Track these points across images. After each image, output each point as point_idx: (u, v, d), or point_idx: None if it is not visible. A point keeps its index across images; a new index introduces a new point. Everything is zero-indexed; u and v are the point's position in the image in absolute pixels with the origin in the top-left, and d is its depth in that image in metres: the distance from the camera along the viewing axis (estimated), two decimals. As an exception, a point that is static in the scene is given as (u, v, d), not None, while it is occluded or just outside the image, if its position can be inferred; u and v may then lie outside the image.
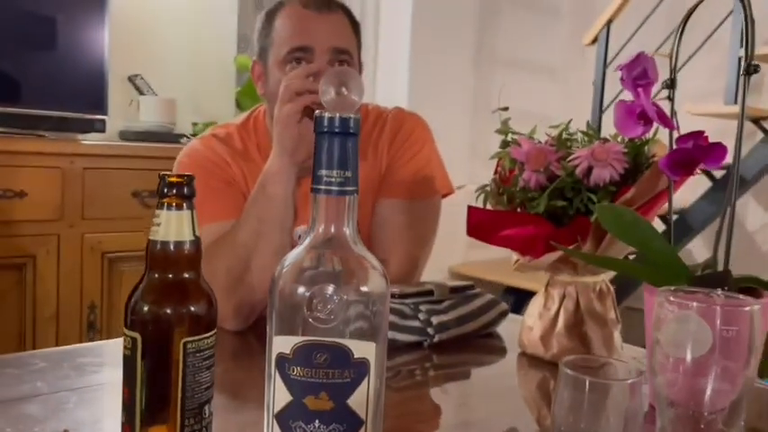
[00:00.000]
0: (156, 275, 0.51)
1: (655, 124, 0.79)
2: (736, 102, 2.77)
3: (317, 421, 0.40)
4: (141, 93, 2.46)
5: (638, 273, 0.77)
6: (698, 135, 0.79)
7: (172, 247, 0.51)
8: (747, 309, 0.58)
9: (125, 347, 0.51)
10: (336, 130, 0.42)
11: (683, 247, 3.23)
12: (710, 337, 0.60)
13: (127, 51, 2.43)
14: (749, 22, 0.72)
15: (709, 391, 0.60)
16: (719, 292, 0.73)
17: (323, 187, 0.42)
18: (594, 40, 3.04)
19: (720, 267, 0.79)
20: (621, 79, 0.80)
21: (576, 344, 0.90)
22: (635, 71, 0.79)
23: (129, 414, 0.51)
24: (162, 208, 0.51)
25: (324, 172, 0.42)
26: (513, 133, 0.96)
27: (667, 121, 0.79)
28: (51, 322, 1.91)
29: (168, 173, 0.51)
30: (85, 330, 1.97)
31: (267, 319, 0.43)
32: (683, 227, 3.07)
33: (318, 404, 0.40)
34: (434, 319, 0.98)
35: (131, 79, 2.47)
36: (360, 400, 0.41)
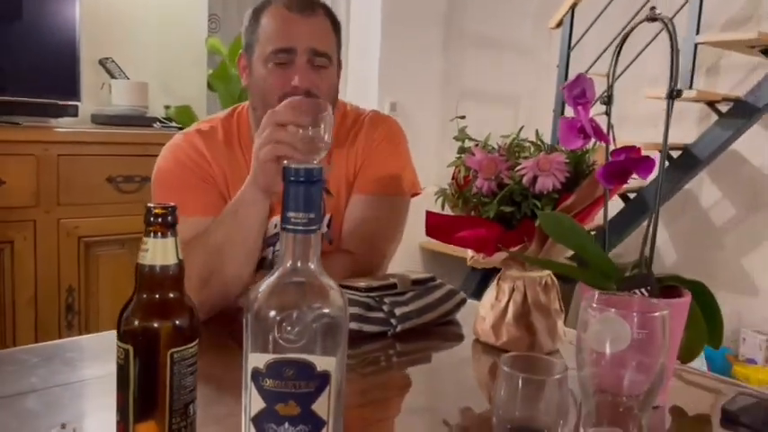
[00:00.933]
0: (145, 295, 0.59)
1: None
2: (691, 86, 2.88)
3: (286, 423, 0.49)
4: (113, 76, 2.48)
5: (574, 273, 0.87)
6: (630, 149, 0.88)
7: (158, 270, 0.58)
8: (657, 314, 0.67)
9: (118, 357, 0.59)
10: (302, 179, 0.49)
11: (642, 223, 3.37)
12: (629, 336, 0.69)
13: (97, 34, 2.44)
14: (675, 52, 0.80)
15: (626, 381, 0.69)
16: (642, 292, 0.83)
17: (290, 227, 0.50)
18: (559, 24, 3.11)
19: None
20: (565, 98, 0.88)
21: (523, 333, 0.99)
22: (575, 91, 0.87)
23: (122, 414, 0.59)
24: (149, 236, 0.58)
25: (291, 214, 0.50)
26: (470, 140, 1.04)
27: (603, 136, 0.87)
28: (30, 305, 1.96)
29: (153, 205, 0.58)
30: (64, 313, 2.03)
31: (243, 339, 0.51)
32: (641, 204, 3.20)
33: (287, 410, 0.49)
34: (397, 311, 1.06)
35: (102, 62, 2.48)
36: (322, 405, 0.49)
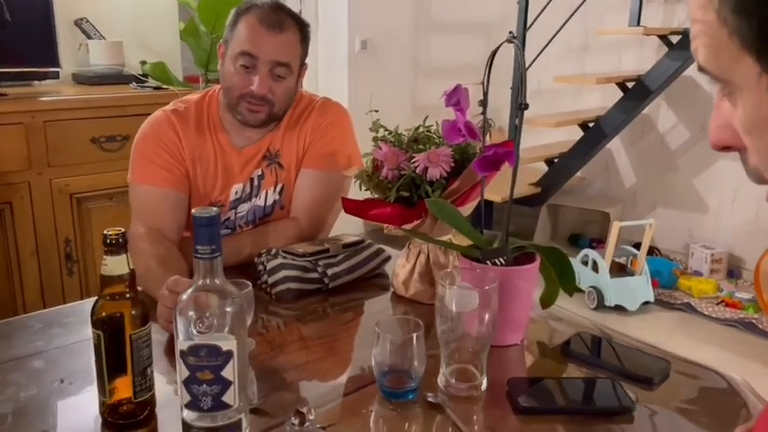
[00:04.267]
0: (108, 295, 0.82)
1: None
2: (638, 23, 3.01)
3: (204, 385, 0.73)
4: (88, 36, 2.63)
5: (451, 247, 1.10)
6: (500, 144, 1.09)
7: (116, 278, 0.82)
8: (487, 288, 0.91)
9: (93, 339, 0.83)
10: (206, 224, 0.72)
11: (600, 148, 3.58)
12: (477, 301, 0.94)
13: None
14: (523, 70, 1.00)
15: (474, 331, 0.94)
16: (500, 261, 1.06)
17: (200, 256, 0.73)
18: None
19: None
20: (445, 104, 1.09)
21: (426, 286, 1.24)
22: (453, 99, 1.08)
23: (100, 377, 0.84)
24: (107, 254, 0.81)
25: (199, 247, 0.73)
26: (386, 129, 1.25)
27: (475, 135, 1.08)
28: (33, 258, 2.22)
29: (109, 231, 0.81)
30: (64, 261, 2.29)
31: (174, 330, 0.75)
32: (599, 132, 3.40)
33: (204, 376, 0.73)
34: (329, 271, 1.31)
35: (78, 23, 2.63)
36: (229, 371, 0.74)
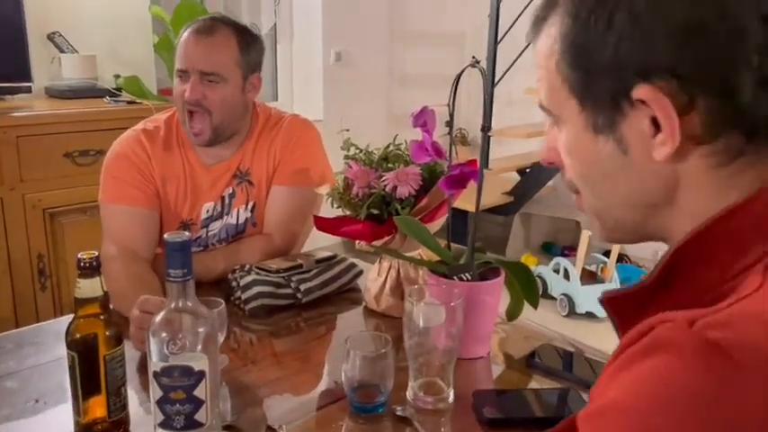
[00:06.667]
0: (82, 317, 0.84)
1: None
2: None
3: (177, 404, 0.76)
4: (61, 50, 2.62)
5: (419, 263, 1.13)
6: (466, 163, 1.13)
7: (90, 300, 0.84)
8: (453, 303, 0.95)
9: (68, 360, 0.85)
10: (177, 249, 0.74)
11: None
12: (443, 316, 0.97)
13: (43, 10, 2.57)
14: (486, 95, 1.04)
15: (441, 345, 0.97)
16: (466, 277, 1.10)
17: (172, 279, 0.75)
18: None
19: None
20: (412, 125, 1.12)
21: (397, 300, 1.27)
22: (420, 121, 1.11)
23: (75, 397, 0.86)
24: (80, 277, 0.83)
25: (172, 271, 0.75)
26: (357, 148, 1.28)
27: (441, 155, 1.12)
28: (5, 274, 2.20)
29: (82, 255, 0.83)
30: (37, 277, 2.28)
31: (147, 351, 0.77)
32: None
33: (177, 396, 0.75)
34: (302, 286, 1.33)
35: (50, 37, 2.62)
36: (201, 390, 0.76)
